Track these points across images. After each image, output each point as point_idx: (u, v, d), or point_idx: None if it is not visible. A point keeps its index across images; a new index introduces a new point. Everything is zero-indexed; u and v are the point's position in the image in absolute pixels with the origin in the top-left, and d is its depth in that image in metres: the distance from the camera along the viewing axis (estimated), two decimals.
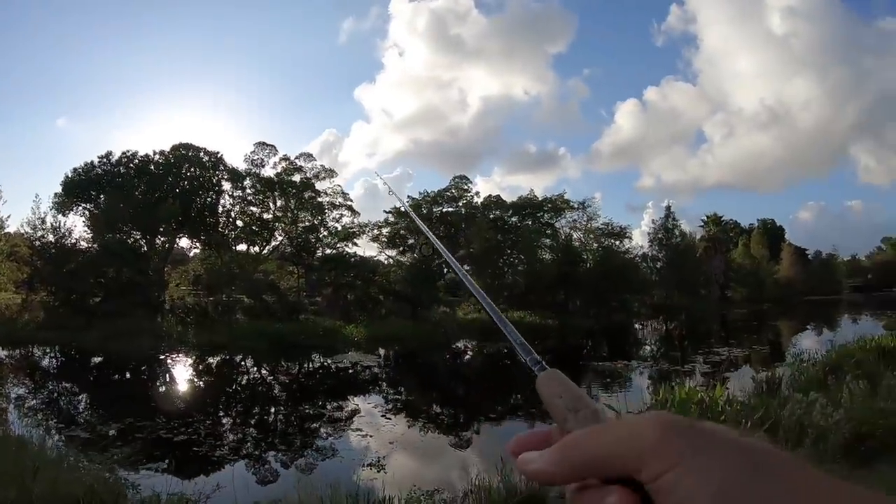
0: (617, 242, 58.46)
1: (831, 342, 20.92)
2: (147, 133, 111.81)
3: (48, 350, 28.59)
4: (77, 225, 40.76)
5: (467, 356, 34.26)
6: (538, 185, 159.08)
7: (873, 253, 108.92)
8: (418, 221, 1.30)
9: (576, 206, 59.06)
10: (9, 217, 37.94)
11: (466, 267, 53.76)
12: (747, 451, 0.48)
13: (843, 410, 9.31)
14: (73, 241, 38.52)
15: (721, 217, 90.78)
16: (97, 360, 27.38)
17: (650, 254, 62.45)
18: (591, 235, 58.37)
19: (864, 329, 29.60)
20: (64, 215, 40.52)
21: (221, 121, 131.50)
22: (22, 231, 38.08)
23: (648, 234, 63.75)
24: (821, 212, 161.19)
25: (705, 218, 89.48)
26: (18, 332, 30.53)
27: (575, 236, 58.38)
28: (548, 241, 57.28)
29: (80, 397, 19.93)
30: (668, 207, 64.50)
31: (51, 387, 21.05)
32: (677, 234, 63.53)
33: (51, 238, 36.98)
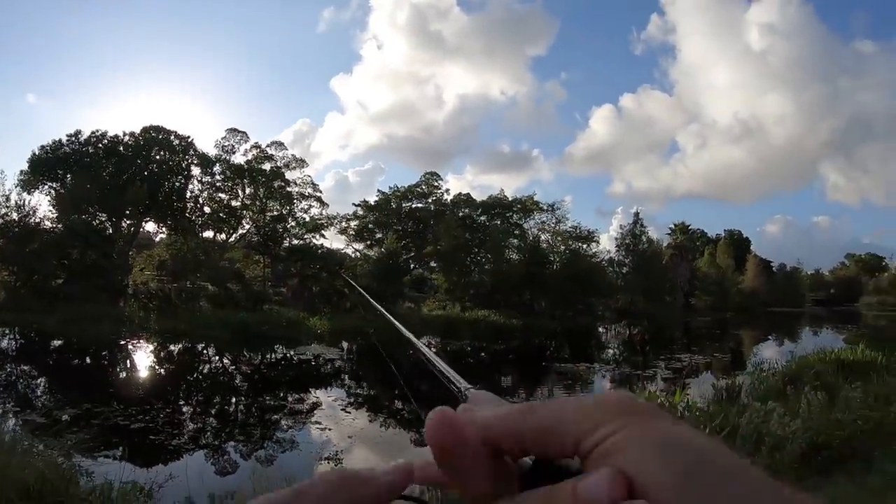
0: (584, 246, 58.97)
1: (792, 353, 21.42)
2: (118, 113, 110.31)
3: (7, 331, 28.15)
4: (42, 204, 40.24)
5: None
6: (510, 185, 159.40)
7: (836, 268, 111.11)
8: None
9: (545, 207, 59.54)
10: None
11: (433, 263, 53.97)
12: (700, 447, 0.43)
13: (800, 420, 9.55)
14: (38, 220, 37.91)
15: (689, 226, 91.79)
16: (57, 343, 27.08)
17: (617, 259, 63.33)
18: (559, 238, 58.75)
19: (824, 341, 30.21)
20: (29, 193, 39.92)
21: (194, 105, 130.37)
22: None
23: (616, 239, 64.78)
24: (788, 226, 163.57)
25: (673, 226, 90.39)
26: None
27: (543, 238, 58.89)
28: (516, 241, 57.66)
29: (38, 381, 19.74)
30: (637, 214, 65.48)
31: (8, 369, 20.87)
32: (644, 240, 64.36)
33: (14, 216, 36.37)
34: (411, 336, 1.03)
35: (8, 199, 36.91)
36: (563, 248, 58.22)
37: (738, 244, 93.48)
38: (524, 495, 0.46)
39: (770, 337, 47.74)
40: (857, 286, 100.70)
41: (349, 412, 17.07)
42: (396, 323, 1.04)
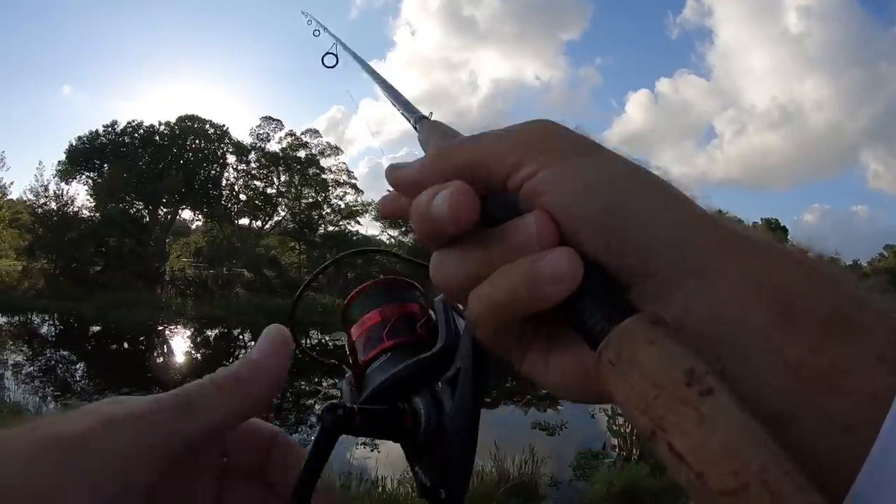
0: None
1: None
2: (153, 103, 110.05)
3: (47, 318, 28.43)
4: (80, 193, 40.51)
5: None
6: None
7: (875, 259, 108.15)
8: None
9: None
10: (12, 184, 37.68)
11: None
12: (639, 162, 0.45)
13: None
14: (76, 209, 38.21)
15: (725, 214, 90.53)
16: (95, 329, 27.34)
17: None
18: None
19: None
20: (67, 183, 40.29)
21: (228, 94, 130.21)
22: (24, 198, 37.90)
23: None
24: (825, 214, 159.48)
25: None
26: (18, 300, 30.43)
27: None
28: None
29: (78, 366, 19.89)
30: None
31: (48, 354, 21.03)
32: None
33: (53, 206, 36.72)
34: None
35: (46, 189, 37.30)
36: None
37: (774, 233, 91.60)
38: (476, 239, 0.45)
39: None
40: None
41: None
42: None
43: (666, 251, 0.40)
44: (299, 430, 13.56)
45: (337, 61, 1.36)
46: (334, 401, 0.57)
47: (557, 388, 0.47)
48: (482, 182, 0.44)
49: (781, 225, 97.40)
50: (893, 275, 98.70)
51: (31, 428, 0.44)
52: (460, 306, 0.62)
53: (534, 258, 0.40)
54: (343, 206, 51.42)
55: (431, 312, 0.66)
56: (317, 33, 1.65)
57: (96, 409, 0.46)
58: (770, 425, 0.32)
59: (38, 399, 13.14)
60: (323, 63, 1.36)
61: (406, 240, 52.49)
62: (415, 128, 0.68)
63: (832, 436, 0.35)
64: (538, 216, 0.42)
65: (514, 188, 0.43)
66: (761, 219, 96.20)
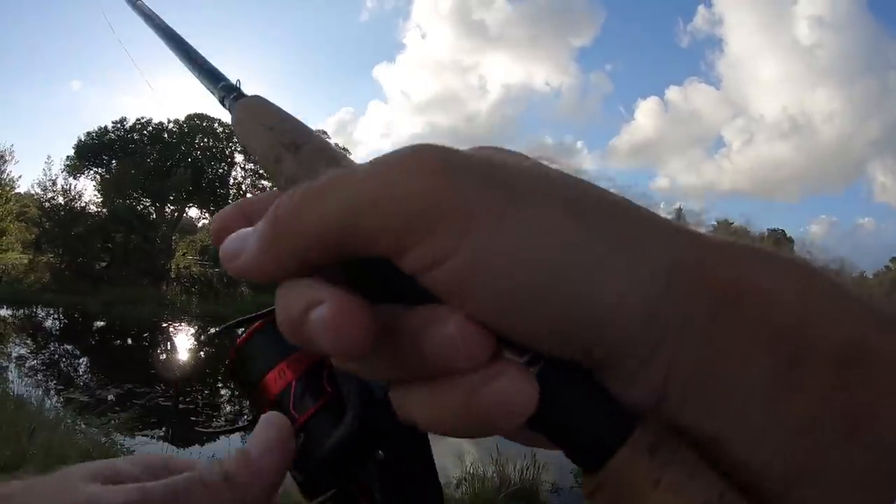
0: None
1: None
2: (162, 101, 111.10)
3: (52, 311, 28.50)
4: (87, 189, 40.66)
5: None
6: None
7: (881, 272, 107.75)
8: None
9: None
10: (20, 177, 37.75)
11: None
12: (580, 202, 0.32)
13: None
14: (83, 204, 38.40)
15: (732, 223, 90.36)
16: (100, 324, 27.42)
17: None
18: None
19: None
20: (75, 178, 40.51)
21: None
22: (32, 192, 38.01)
23: None
24: (832, 227, 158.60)
25: (716, 223, 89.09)
26: (24, 293, 30.52)
27: None
28: None
29: (81, 360, 19.98)
30: (679, 209, 63.01)
31: (52, 348, 21.07)
32: None
33: (60, 200, 36.83)
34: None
35: (54, 183, 37.39)
36: None
37: (781, 244, 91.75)
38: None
39: None
40: None
41: None
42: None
43: (632, 325, 0.30)
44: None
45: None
46: None
47: (441, 425, 0.32)
48: (352, 254, 0.31)
49: (788, 236, 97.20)
50: None
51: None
52: None
53: (473, 384, 0.30)
54: None
55: None
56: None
57: (73, 489, 0.43)
58: (781, 488, 0.30)
59: (41, 393, 13.16)
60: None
61: None
62: (222, 104, 0.54)
63: (854, 494, 0.30)
64: (461, 327, 0.29)
65: (410, 271, 0.30)
66: (768, 230, 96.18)
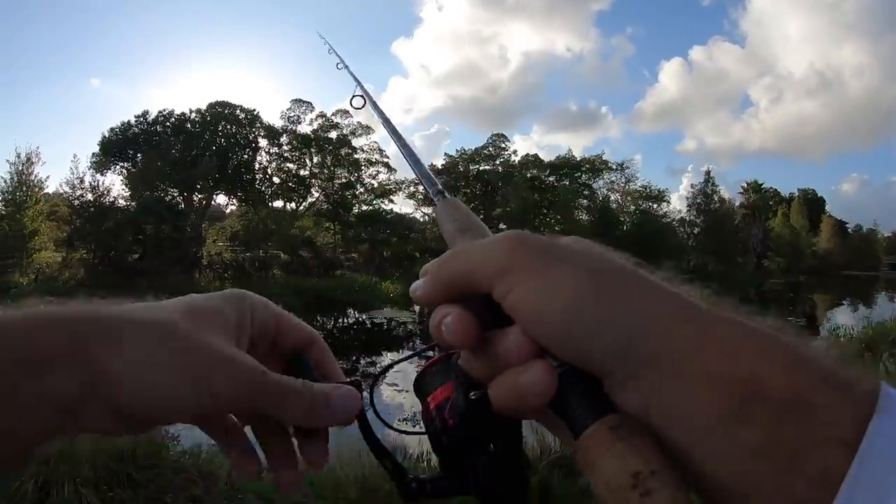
0: (655, 206, 58.25)
1: (868, 318, 20.67)
2: (183, 91, 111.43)
3: None
4: (115, 184, 40.81)
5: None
6: (578, 144, 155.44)
7: None
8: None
9: (614, 167, 58.72)
10: (48, 178, 38.02)
11: (503, 225, 53.69)
12: (599, 270, 0.52)
13: None
14: (112, 199, 38.45)
15: (762, 184, 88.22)
16: None
17: (688, 219, 61.09)
18: (629, 198, 58.16)
19: None
20: (102, 174, 40.81)
21: (258, 78, 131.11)
22: (61, 191, 38.30)
23: (687, 198, 62.41)
24: (863, 185, 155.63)
25: (745, 185, 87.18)
26: (59, 290, 30.77)
27: (612, 198, 58.31)
28: (585, 202, 57.04)
29: None
30: (708, 172, 62.47)
31: None
32: (716, 199, 61.88)
33: (89, 197, 36.96)
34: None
35: (82, 181, 37.61)
36: (632, 208, 57.76)
37: (812, 204, 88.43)
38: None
39: (844, 301, 45.94)
40: None
41: None
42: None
43: (617, 353, 0.47)
44: None
45: (365, 103, 1.34)
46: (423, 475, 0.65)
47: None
48: (472, 290, 0.54)
49: (819, 195, 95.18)
50: None
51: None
52: None
53: (517, 371, 0.50)
54: (376, 185, 51.66)
55: None
56: (339, 67, 1.65)
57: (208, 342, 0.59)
58: (731, 499, 0.43)
59: None
60: (351, 105, 1.33)
61: None
62: (433, 201, 0.76)
63: None
64: (515, 333, 0.51)
65: (499, 300, 0.52)
66: (798, 189, 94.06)
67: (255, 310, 0.67)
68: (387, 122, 1.09)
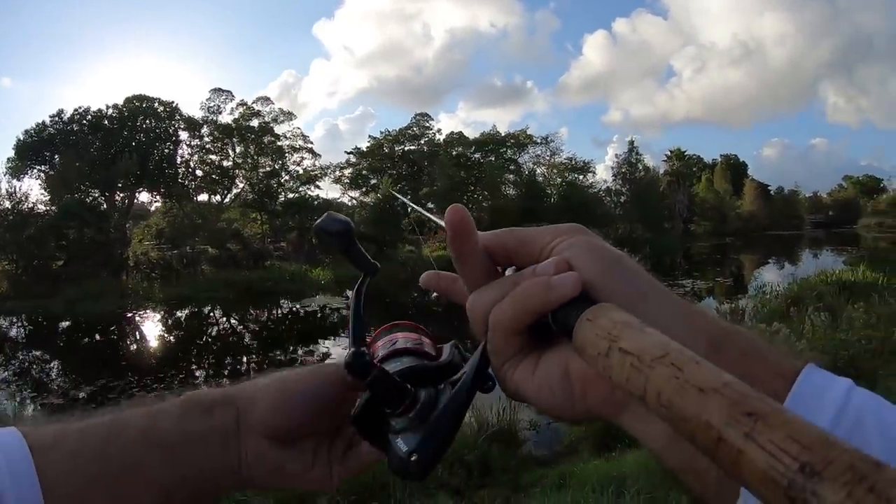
0: (581, 177, 59.26)
1: (793, 275, 22.01)
2: (99, 87, 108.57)
3: (14, 320, 28.10)
4: (33, 188, 39.65)
5: (435, 293, 34.61)
6: (505, 119, 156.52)
7: (834, 190, 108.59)
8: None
9: (539, 141, 59.43)
10: None
11: (431, 205, 53.98)
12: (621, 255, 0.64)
13: (805, 341, 9.81)
14: (31, 205, 37.51)
15: (685, 152, 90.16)
16: (65, 324, 27.18)
17: (614, 188, 62.18)
18: (555, 170, 59.03)
19: (824, 263, 29.60)
20: (19, 180, 39.52)
21: (176, 69, 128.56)
22: None
23: (612, 168, 63.36)
24: (785, 149, 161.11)
25: (669, 153, 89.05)
26: None
27: (538, 171, 59.06)
28: (511, 176, 57.65)
29: (51, 364, 19.98)
30: (632, 142, 63.49)
31: (21, 357, 20.97)
32: (641, 168, 63.16)
33: (7, 204, 36.07)
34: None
35: None
36: (559, 180, 58.53)
37: (734, 169, 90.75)
38: (505, 277, 0.65)
39: (770, 260, 47.84)
40: (855, 208, 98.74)
41: None
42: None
43: (642, 289, 0.60)
44: None
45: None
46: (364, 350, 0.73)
47: (541, 392, 0.62)
48: (526, 255, 0.64)
49: (741, 160, 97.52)
50: (851, 205, 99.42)
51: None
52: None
53: (549, 273, 0.58)
54: (301, 171, 51.58)
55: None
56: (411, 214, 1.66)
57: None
58: None
59: (15, 404, 13.33)
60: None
61: (368, 199, 52.70)
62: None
63: None
64: (556, 258, 0.60)
65: (546, 256, 0.62)
66: (720, 155, 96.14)
67: None
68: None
